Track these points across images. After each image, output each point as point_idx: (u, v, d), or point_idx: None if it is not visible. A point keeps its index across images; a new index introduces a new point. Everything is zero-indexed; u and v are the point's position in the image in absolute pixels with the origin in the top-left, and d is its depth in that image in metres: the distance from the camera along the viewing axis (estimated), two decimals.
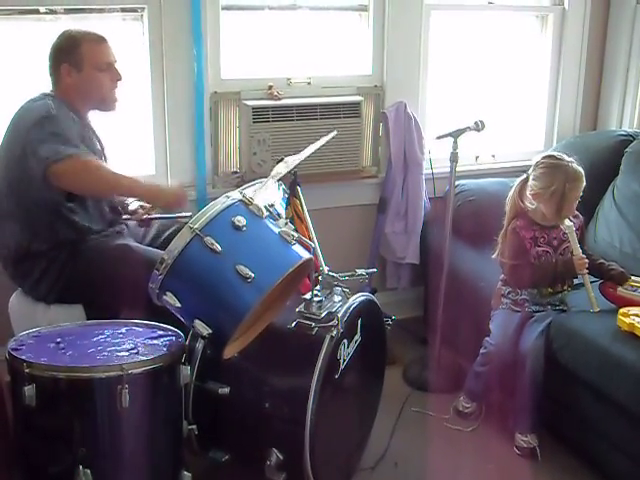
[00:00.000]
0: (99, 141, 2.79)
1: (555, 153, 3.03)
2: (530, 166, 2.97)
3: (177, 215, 3.00)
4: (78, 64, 2.62)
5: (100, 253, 2.59)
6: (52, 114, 2.49)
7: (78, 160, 2.42)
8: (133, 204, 2.96)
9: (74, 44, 2.62)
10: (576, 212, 2.94)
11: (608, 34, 4.10)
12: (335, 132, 2.95)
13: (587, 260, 2.83)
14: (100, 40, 2.67)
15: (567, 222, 2.86)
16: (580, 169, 2.86)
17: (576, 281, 2.98)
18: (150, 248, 2.73)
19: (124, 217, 2.89)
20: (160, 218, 2.96)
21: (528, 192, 2.93)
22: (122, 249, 2.61)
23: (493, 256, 3.02)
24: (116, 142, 3.19)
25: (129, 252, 2.59)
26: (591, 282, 2.92)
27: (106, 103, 2.73)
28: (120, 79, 2.72)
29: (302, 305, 2.42)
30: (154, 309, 2.21)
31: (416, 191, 3.70)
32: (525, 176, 2.97)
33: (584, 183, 2.86)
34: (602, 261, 2.98)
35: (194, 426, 2.32)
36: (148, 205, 2.91)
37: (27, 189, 2.50)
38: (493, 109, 3.92)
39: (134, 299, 2.31)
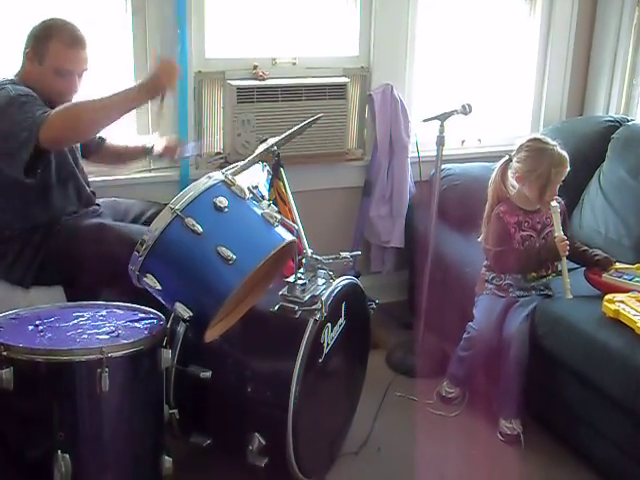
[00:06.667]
0: None
1: (539, 136, 3.02)
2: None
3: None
4: (41, 57, 2.54)
5: (74, 232, 2.56)
6: (11, 95, 2.40)
7: (56, 114, 2.33)
8: (157, 145, 2.95)
9: (45, 36, 2.53)
10: (558, 197, 2.92)
11: (596, 18, 4.08)
12: (320, 115, 2.91)
13: (568, 242, 2.80)
14: (73, 44, 2.55)
15: (553, 202, 2.84)
16: (565, 153, 2.85)
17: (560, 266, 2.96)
18: (126, 224, 2.70)
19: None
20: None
21: (511, 174, 2.92)
22: (97, 227, 2.58)
23: (479, 239, 3.01)
24: None
25: (104, 230, 2.56)
26: (574, 269, 2.91)
27: (51, 104, 2.60)
28: (76, 92, 2.61)
29: (285, 288, 2.39)
30: (135, 288, 2.17)
31: (402, 174, 3.67)
32: (507, 158, 2.95)
33: (569, 168, 2.85)
34: (585, 248, 2.97)
35: (175, 410, 2.30)
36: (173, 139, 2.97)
37: None
38: (480, 93, 3.89)
39: (112, 277, 2.28)
